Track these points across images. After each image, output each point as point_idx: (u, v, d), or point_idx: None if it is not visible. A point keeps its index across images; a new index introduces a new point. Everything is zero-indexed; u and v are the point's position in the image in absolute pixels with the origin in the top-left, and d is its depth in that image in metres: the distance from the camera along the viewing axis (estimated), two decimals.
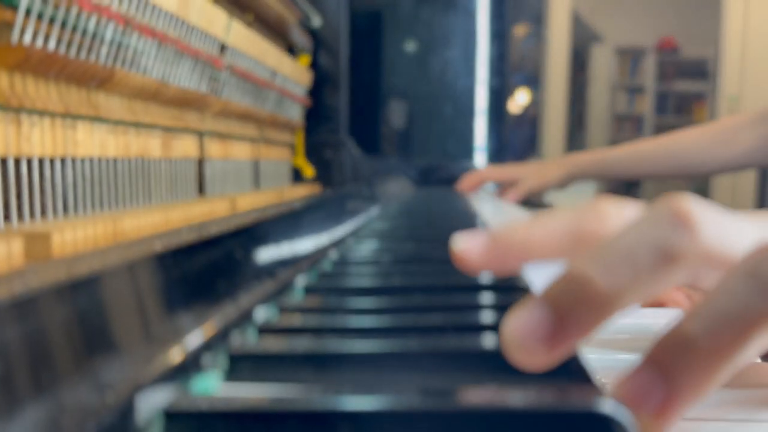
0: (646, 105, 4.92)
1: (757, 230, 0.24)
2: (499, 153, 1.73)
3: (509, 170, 1.39)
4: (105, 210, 0.44)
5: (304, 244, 0.49)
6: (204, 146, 0.63)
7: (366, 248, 0.55)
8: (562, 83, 3.33)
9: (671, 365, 0.20)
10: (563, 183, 1.31)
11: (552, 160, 1.42)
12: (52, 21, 0.37)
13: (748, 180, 2.82)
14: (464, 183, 1.39)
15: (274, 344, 0.28)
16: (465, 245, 0.26)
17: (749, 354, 0.21)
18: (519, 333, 0.21)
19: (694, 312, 0.21)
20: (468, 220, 0.80)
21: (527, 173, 1.33)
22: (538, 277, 0.35)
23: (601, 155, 1.33)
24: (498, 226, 0.26)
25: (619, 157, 1.29)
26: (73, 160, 0.41)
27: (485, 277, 0.39)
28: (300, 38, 0.99)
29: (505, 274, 0.27)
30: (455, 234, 0.26)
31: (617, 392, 0.21)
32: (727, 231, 0.23)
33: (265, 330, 0.31)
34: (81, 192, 0.41)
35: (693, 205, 0.23)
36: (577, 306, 0.21)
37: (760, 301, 0.20)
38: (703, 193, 3.45)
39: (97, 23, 0.41)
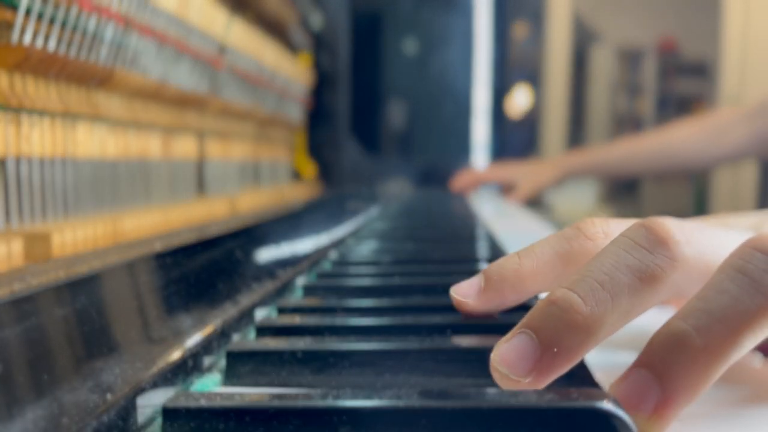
0: (646, 105, 4.91)
1: (736, 237, 0.24)
2: (499, 153, 1.73)
3: (503, 171, 1.38)
4: (105, 210, 0.44)
5: (303, 244, 0.49)
6: (204, 146, 0.63)
7: (366, 248, 0.55)
8: (562, 83, 3.32)
9: (665, 366, 0.20)
10: (557, 182, 1.32)
11: (546, 160, 1.42)
12: (52, 21, 0.37)
13: (749, 178, 2.82)
14: (457, 182, 1.39)
15: (274, 344, 0.28)
16: (463, 293, 0.27)
17: (743, 352, 0.21)
18: (506, 363, 0.21)
19: (685, 311, 0.21)
20: (467, 221, 0.80)
21: (521, 174, 1.33)
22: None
23: (595, 154, 1.34)
24: (490, 263, 0.27)
25: (612, 156, 1.30)
26: (73, 160, 0.41)
27: None
28: (300, 38, 0.99)
29: (510, 307, 0.28)
30: (453, 284, 0.27)
31: (613, 394, 0.21)
32: (707, 244, 0.24)
33: (264, 330, 0.31)
34: (81, 192, 0.41)
35: (669, 225, 0.23)
36: (561, 333, 0.21)
37: (752, 297, 0.20)
38: (702, 191, 3.44)
39: (97, 23, 0.41)
